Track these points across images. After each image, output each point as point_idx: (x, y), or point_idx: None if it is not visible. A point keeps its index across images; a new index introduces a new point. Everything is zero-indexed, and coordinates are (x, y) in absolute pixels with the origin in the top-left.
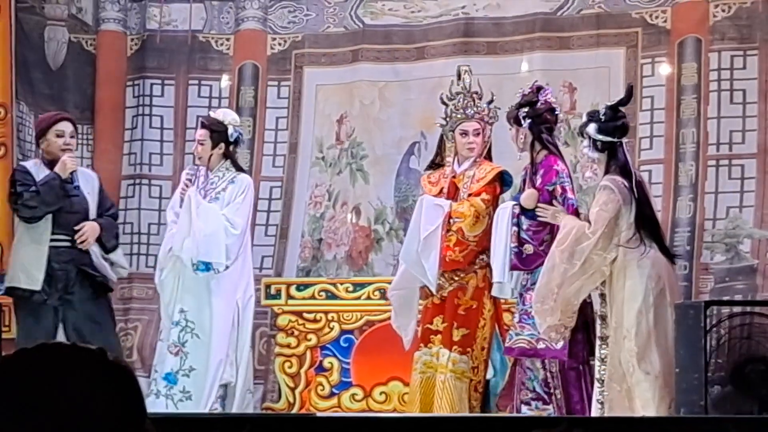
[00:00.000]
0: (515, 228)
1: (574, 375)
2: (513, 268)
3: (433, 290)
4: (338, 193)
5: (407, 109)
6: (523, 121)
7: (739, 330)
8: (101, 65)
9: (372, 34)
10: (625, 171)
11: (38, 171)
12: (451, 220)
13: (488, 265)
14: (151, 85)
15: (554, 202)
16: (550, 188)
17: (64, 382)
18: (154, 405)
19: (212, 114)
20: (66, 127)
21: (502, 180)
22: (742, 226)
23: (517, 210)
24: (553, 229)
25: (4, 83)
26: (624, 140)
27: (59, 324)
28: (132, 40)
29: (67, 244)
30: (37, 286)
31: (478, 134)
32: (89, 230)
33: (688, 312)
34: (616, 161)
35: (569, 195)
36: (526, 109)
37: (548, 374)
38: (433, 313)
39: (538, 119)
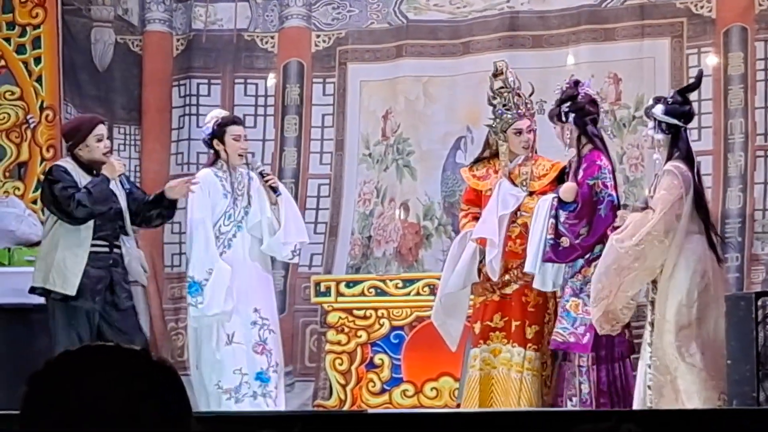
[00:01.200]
0: (553, 220)
1: (604, 372)
2: (547, 260)
3: (495, 278)
4: (386, 189)
5: (452, 104)
6: (566, 117)
7: None
8: (147, 66)
9: (416, 29)
10: (688, 158)
11: (76, 173)
12: (518, 213)
13: None
14: (198, 84)
15: (594, 196)
16: (591, 182)
17: (109, 382)
18: (256, 406)
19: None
20: (103, 130)
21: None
22: None
23: (556, 202)
24: (590, 223)
25: (52, 85)
26: (688, 127)
27: (94, 330)
28: (178, 40)
29: (106, 249)
30: (73, 291)
31: (531, 131)
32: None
33: (738, 303)
34: (678, 147)
35: (610, 191)
36: (568, 104)
37: (577, 369)
38: (494, 310)
39: (582, 112)
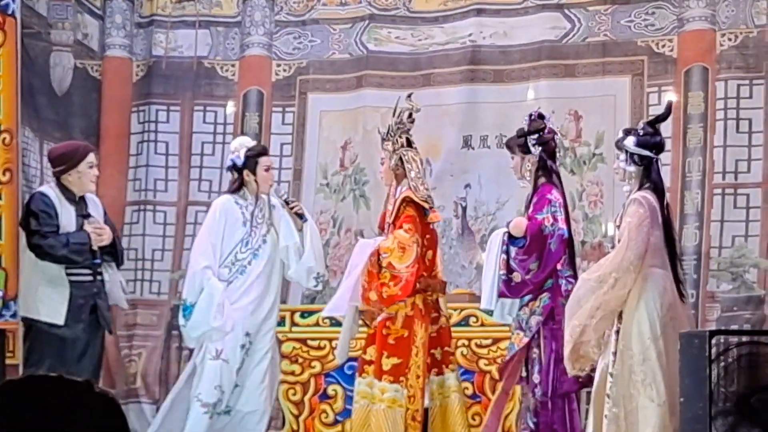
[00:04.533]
0: (504, 255)
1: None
2: (501, 295)
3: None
4: (342, 219)
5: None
6: (533, 149)
7: (745, 359)
8: (107, 91)
9: (376, 60)
10: (657, 189)
11: (59, 202)
12: (381, 256)
13: (419, 293)
14: (157, 111)
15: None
16: (540, 217)
17: (51, 413)
18: (222, 420)
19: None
20: (94, 158)
21: (415, 203)
22: (748, 255)
23: (506, 237)
24: (540, 258)
25: (10, 109)
26: (659, 157)
27: (85, 357)
28: (138, 66)
29: (90, 278)
30: (61, 320)
31: (382, 163)
32: (108, 231)
33: (692, 341)
34: (649, 179)
35: (560, 225)
36: (535, 137)
37: (537, 403)
38: (368, 343)
39: (546, 146)
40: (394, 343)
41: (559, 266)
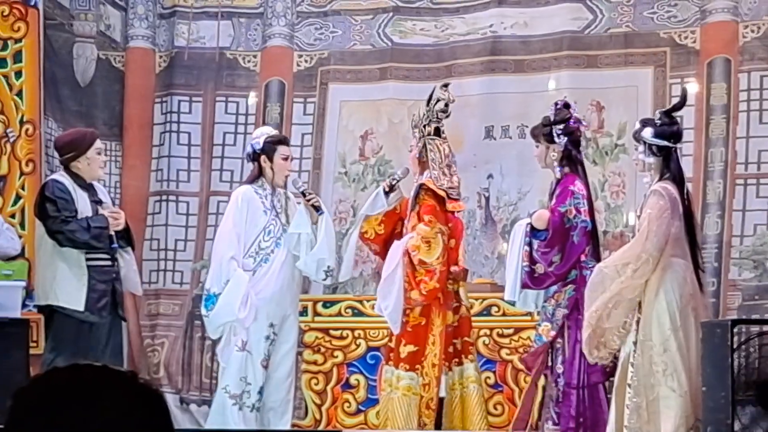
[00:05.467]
0: (527, 247)
1: (575, 395)
2: (524, 286)
3: (396, 329)
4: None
5: None
6: (557, 139)
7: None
8: (129, 82)
9: (401, 53)
10: (678, 179)
11: (73, 189)
12: (411, 255)
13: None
14: (179, 101)
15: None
16: (563, 209)
17: (95, 403)
18: (250, 419)
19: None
20: (101, 144)
21: (433, 191)
22: None
23: (529, 229)
24: (563, 251)
25: (33, 100)
26: (678, 146)
27: (109, 344)
28: (160, 56)
29: (109, 263)
30: (81, 306)
31: (410, 150)
32: (122, 215)
33: (714, 330)
34: (669, 169)
35: (584, 217)
36: (561, 127)
37: (560, 392)
38: (392, 332)
39: (572, 136)
40: (412, 330)
41: (582, 257)
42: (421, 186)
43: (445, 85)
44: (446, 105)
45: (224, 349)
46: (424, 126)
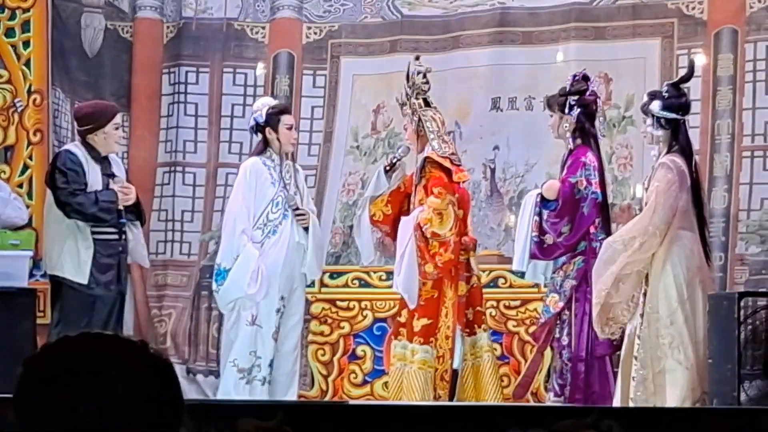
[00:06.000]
0: (537, 218)
1: (582, 367)
2: (532, 256)
3: (411, 306)
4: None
5: (441, 99)
6: (572, 110)
7: None
8: (137, 52)
9: (410, 25)
10: (686, 152)
11: (86, 161)
12: (423, 229)
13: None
14: (187, 72)
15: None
16: (573, 180)
17: (105, 371)
18: (263, 392)
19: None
20: (119, 119)
21: (438, 163)
22: None
23: (539, 199)
24: (572, 222)
25: (41, 70)
26: (687, 118)
27: (108, 318)
28: (168, 27)
29: (116, 237)
30: (85, 279)
31: (406, 129)
32: (133, 190)
33: (721, 303)
34: (677, 141)
35: (594, 189)
36: (575, 98)
37: (563, 364)
38: (402, 305)
39: (587, 108)
40: (425, 304)
41: (592, 229)
42: (425, 159)
43: (417, 57)
44: (425, 75)
45: (234, 324)
46: (413, 101)
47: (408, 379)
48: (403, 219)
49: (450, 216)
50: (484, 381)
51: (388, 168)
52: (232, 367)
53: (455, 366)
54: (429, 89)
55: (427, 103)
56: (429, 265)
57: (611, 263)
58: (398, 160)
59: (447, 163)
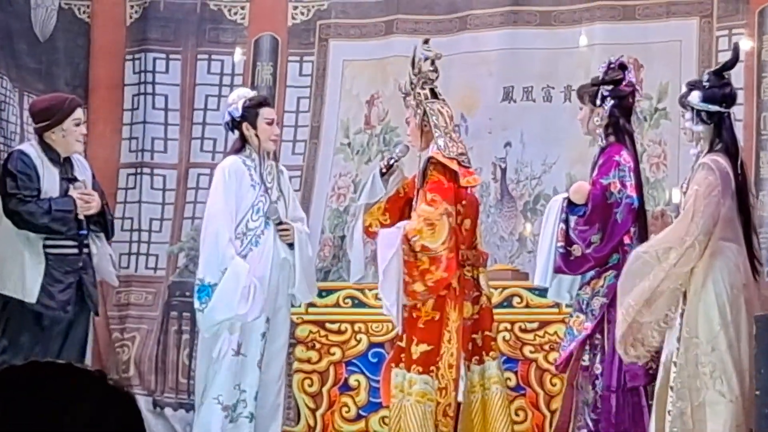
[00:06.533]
0: (563, 225)
1: (614, 399)
2: (557, 270)
3: (398, 329)
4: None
5: (446, 88)
6: (604, 102)
7: None
8: (96, 36)
9: (408, 3)
10: (730, 150)
11: (40, 162)
12: (411, 241)
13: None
14: (154, 59)
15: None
16: (605, 182)
17: (57, 406)
18: (249, 429)
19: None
20: (81, 114)
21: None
22: None
23: (565, 204)
24: (604, 230)
25: None
26: (731, 111)
27: (65, 340)
28: (132, 7)
29: (75, 251)
30: (33, 297)
31: (408, 122)
32: (97, 197)
33: None
34: (721, 138)
35: (629, 192)
36: (609, 88)
37: (597, 396)
38: (404, 329)
39: (622, 102)
40: (424, 327)
41: (627, 239)
42: (429, 160)
43: (426, 41)
44: (433, 62)
45: (219, 353)
46: (418, 92)
47: (405, 414)
48: (381, 232)
49: (444, 228)
50: (491, 417)
51: (384, 170)
52: (216, 405)
53: (460, 399)
54: (437, 78)
55: (434, 94)
56: (418, 284)
57: (640, 276)
58: (396, 160)
59: (454, 165)
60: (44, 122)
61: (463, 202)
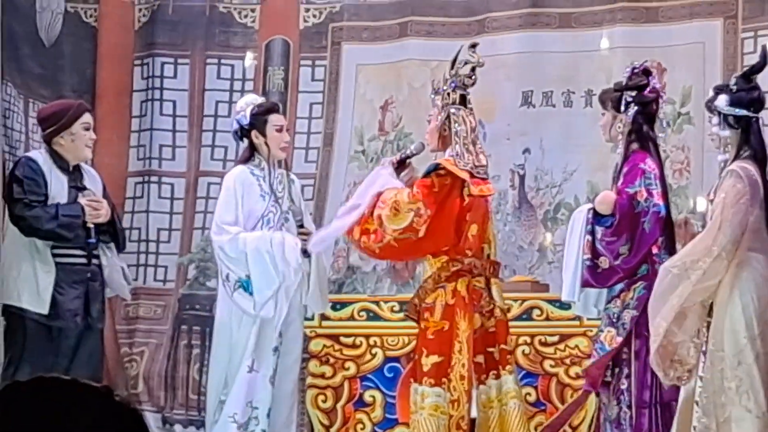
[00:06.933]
0: (589, 237)
1: (646, 415)
2: (585, 284)
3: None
4: None
5: None
6: (627, 108)
7: None
8: (104, 40)
9: (423, 5)
10: (759, 157)
11: (48, 169)
12: (378, 204)
13: (462, 277)
14: (162, 64)
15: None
16: (632, 191)
17: (63, 423)
18: None
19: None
20: (90, 119)
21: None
22: None
23: (591, 215)
24: (632, 240)
25: None
26: (760, 116)
27: (75, 354)
28: (140, 10)
29: (83, 261)
30: (45, 309)
31: (429, 121)
32: (106, 205)
33: None
34: (749, 144)
35: (656, 201)
36: (632, 94)
37: (622, 412)
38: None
39: (646, 108)
40: (434, 338)
41: (655, 249)
42: (437, 165)
43: (473, 45)
44: (473, 69)
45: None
46: (448, 93)
47: (417, 428)
48: (378, 170)
49: (404, 222)
50: None
51: (396, 165)
52: (231, 423)
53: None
54: (472, 85)
55: (463, 101)
56: (356, 231)
57: (670, 293)
58: (410, 157)
59: (464, 174)
60: (52, 127)
61: (469, 211)
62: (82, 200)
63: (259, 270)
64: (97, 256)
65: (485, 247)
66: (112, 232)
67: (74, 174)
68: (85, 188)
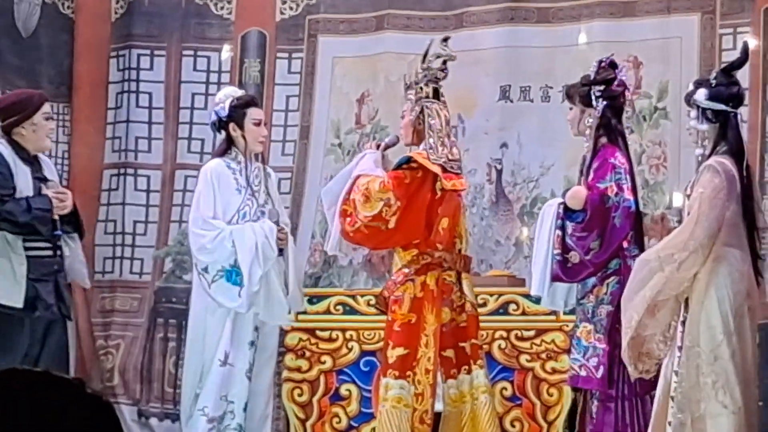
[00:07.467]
0: (559, 232)
1: (621, 411)
2: (555, 278)
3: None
4: None
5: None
6: (596, 102)
7: None
8: (81, 32)
9: None
10: (736, 152)
11: (12, 161)
12: (353, 187)
13: (432, 270)
14: (139, 56)
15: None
16: (603, 186)
17: (33, 416)
18: None
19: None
20: (49, 108)
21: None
22: None
23: (561, 210)
24: (603, 235)
25: None
26: (738, 112)
27: (43, 345)
28: (117, 2)
29: (50, 252)
30: (20, 302)
31: (403, 116)
32: (70, 196)
33: None
34: (726, 139)
35: (626, 196)
36: (601, 88)
37: (592, 405)
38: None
39: (614, 101)
40: (400, 330)
41: (625, 244)
42: (409, 159)
43: (446, 39)
44: (445, 62)
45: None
46: (421, 87)
47: (380, 420)
48: (368, 153)
49: (374, 210)
50: (481, 427)
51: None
52: (201, 416)
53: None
54: (444, 78)
55: (436, 95)
56: (340, 209)
57: (644, 285)
58: (385, 148)
59: (436, 168)
60: (13, 117)
61: (441, 204)
62: (48, 192)
63: (249, 260)
64: (60, 247)
65: (457, 242)
66: (74, 221)
67: (35, 164)
68: (46, 179)
